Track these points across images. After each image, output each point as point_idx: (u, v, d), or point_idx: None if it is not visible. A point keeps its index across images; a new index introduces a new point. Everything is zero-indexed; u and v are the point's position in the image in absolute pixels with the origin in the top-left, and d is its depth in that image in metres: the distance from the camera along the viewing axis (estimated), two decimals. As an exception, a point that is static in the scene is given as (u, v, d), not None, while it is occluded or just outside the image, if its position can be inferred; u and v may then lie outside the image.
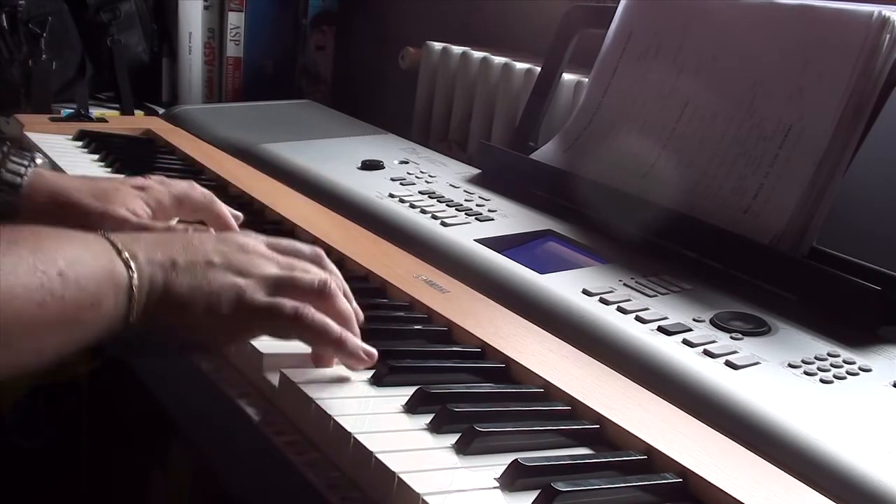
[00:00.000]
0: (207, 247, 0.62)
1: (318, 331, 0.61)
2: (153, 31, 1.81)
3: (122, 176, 1.06)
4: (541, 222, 0.97)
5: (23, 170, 0.82)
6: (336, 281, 0.65)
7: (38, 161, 0.86)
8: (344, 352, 0.62)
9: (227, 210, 0.87)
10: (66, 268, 0.54)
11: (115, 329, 0.58)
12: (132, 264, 0.58)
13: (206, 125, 1.33)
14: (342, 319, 0.63)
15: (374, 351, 0.63)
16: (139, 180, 0.87)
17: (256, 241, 0.65)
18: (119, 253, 0.58)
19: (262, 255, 0.64)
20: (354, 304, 0.67)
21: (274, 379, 0.62)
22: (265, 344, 0.64)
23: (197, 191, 0.86)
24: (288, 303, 0.61)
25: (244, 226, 0.88)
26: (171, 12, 1.80)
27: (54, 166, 1.07)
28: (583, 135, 1.07)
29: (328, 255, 0.88)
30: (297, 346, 0.64)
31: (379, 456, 0.53)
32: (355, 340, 0.63)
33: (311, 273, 0.64)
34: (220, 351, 0.66)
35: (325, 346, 0.62)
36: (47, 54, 1.59)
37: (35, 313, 0.52)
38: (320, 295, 0.63)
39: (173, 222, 0.84)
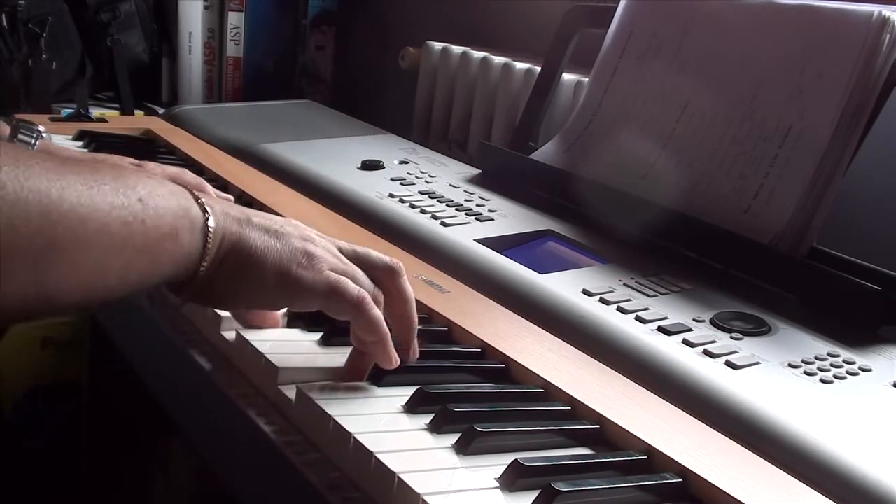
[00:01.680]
0: (279, 218, 0.64)
1: (374, 320, 0.61)
2: (153, 31, 1.81)
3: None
4: (541, 222, 0.97)
5: (32, 141, 0.86)
6: (399, 287, 0.66)
7: (44, 134, 0.92)
8: (385, 350, 0.63)
9: (214, 192, 0.89)
10: (146, 196, 0.55)
11: (190, 270, 0.58)
12: (208, 210, 0.59)
13: (206, 125, 1.33)
14: (408, 299, 0.65)
15: (398, 359, 0.64)
16: (134, 160, 0.90)
17: (327, 239, 0.67)
18: (196, 199, 0.59)
19: (329, 249, 0.65)
20: (414, 313, 0.67)
21: (275, 380, 0.62)
22: (278, 357, 0.64)
23: (189, 174, 0.90)
24: (353, 284, 0.62)
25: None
26: (171, 12, 1.80)
27: None
28: (583, 135, 1.07)
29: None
30: (301, 349, 0.64)
31: (379, 456, 0.53)
32: (392, 345, 0.63)
33: (368, 281, 0.65)
34: (273, 307, 0.67)
35: (369, 337, 0.62)
36: (47, 54, 1.59)
37: (120, 230, 0.53)
38: (391, 272, 0.65)
39: None
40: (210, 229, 0.58)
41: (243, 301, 0.64)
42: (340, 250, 0.66)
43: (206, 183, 0.89)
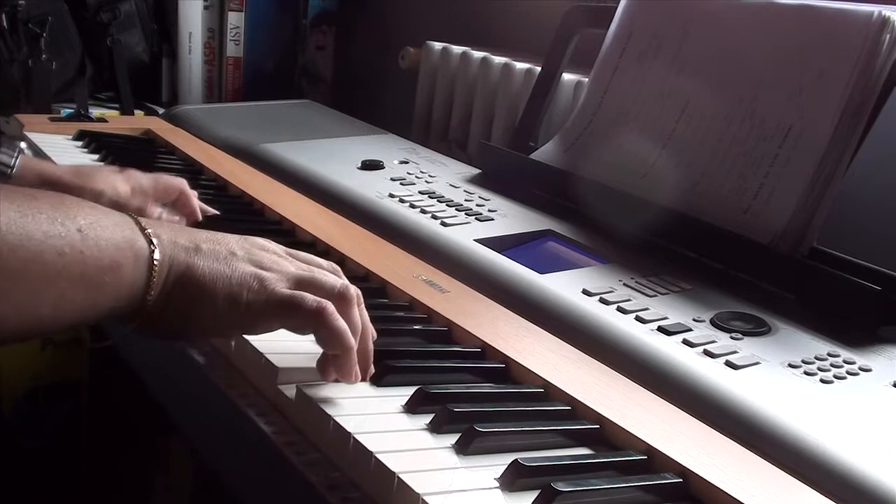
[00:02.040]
0: (230, 240, 0.63)
1: (336, 332, 0.60)
2: (153, 31, 1.80)
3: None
4: (541, 222, 0.97)
5: (12, 161, 0.85)
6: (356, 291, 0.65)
7: (26, 151, 0.90)
8: (345, 363, 0.61)
9: (195, 196, 0.92)
10: (86, 227, 0.54)
11: (135, 303, 0.57)
12: (154, 240, 0.58)
13: (206, 125, 1.33)
14: (355, 329, 0.62)
15: (363, 376, 0.62)
16: (117, 168, 0.92)
17: (276, 245, 0.65)
18: (142, 229, 0.58)
19: (282, 255, 0.64)
20: (367, 319, 0.66)
21: (275, 380, 0.62)
22: (278, 356, 0.64)
23: (165, 178, 0.91)
24: (310, 296, 0.60)
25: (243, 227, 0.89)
26: (171, 12, 1.79)
27: None
28: (583, 135, 1.07)
29: (327, 255, 0.88)
30: (301, 349, 0.64)
31: (379, 456, 0.53)
32: (356, 357, 0.61)
33: (332, 278, 0.63)
34: (232, 338, 0.66)
35: (335, 350, 0.61)
36: (47, 54, 1.59)
37: (54, 260, 0.52)
38: (341, 298, 0.62)
39: (155, 210, 0.87)
40: (156, 262, 0.57)
41: (197, 331, 0.62)
42: (292, 255, 0.65)
43: (186, 184, 0.90)
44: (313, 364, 0.63)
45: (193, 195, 0.92)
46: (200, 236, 0.61)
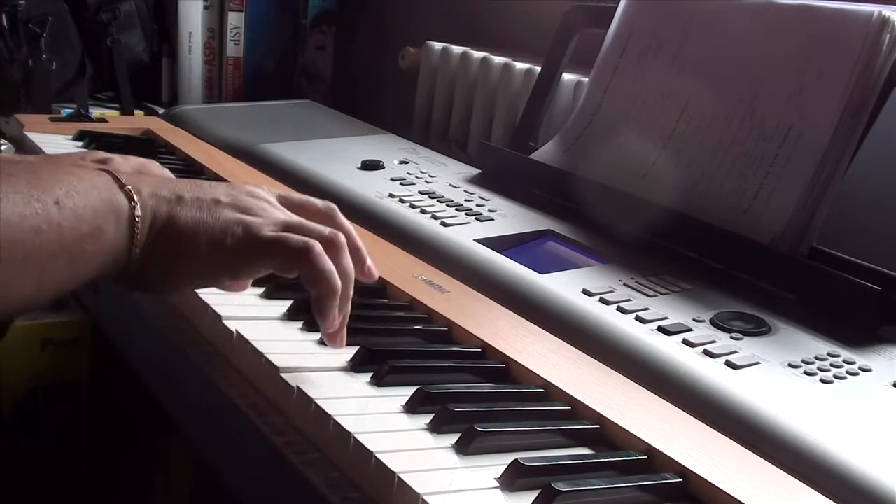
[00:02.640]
0: (216, 188, 0.62)
1: (322, 272, 0.59)
2: (153, 31, 1.81)
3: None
4: (541, 222, 0.97)
5: None
6: (348, 237, 0.64)
7: (3, 148, 0.87)
8: (325, 304, 0.60)
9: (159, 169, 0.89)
10: (64, 196, 0.54)
11: (120, 262, 0.57)
12: (134, 196, 0.57)
13: (206, 125, 1.33)
14: (343, 274, 0.61)
15: (344, 339, 0.62)
16: (101, 154, 0.88)
17: (267, 192, 0.65)
18: (121, 186, 0.57)
19: (270, 202, 0.64)
20: (369, 262, 0.66)
21: (273, 379, 0.62)
22: (278, 356, 0.64)
23: (156, 164, 0.88)
24: (295, 236, 0.59)
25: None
26: (171, 12, 1.80)
27: None
28: (583, 135, 1.07)
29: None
30: (302, 349, 0.64)
31: (379, 456, 0.53)
32: (337, 303, 0.61)
33: (320, 226, 0.63)
34: (219, 285, 0.65)
35: (319, 290, 0.60)
36: (47, 54, 1.59)
37: (32, 239, 0.51)
38: (329, 243, 0.61)
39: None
40: (137, 218, 0.57)
41: (185, 282, 0.62)
42: (285, 202, 0.64)
43: (170, 174, 0.89)
44: (314, 364, 0.64)
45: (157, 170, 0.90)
46: (184, 186, 0.61)
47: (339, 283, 0.60)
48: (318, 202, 0.67)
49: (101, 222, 0.55)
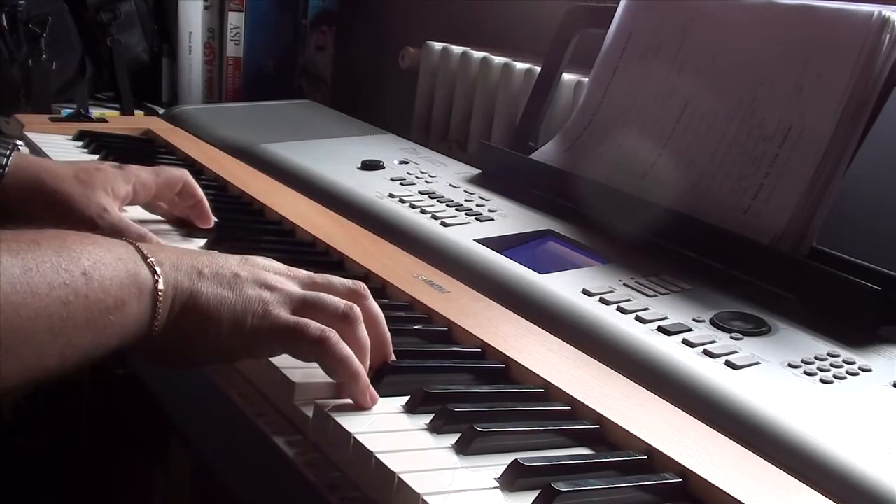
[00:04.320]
0: (232, 262, 0.62)
1: (339, 360, 0.59)
2: (153, 31, 1.81)
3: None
4: (541, 222, 0.97)
5: (4, 161, 0.83)
6: (367, 308, 0.64)
7: (21, 147, 0.87)
8: (356, 388, 0.60)
9: (199, 188, 0.90)
10: (90, 268, 0.53)
11: (141, 337, 0.57)
12: (157, 269, 0.57)
13: (206, 125, 1.33)
14: (361, 350, 0.61)
15: (377, 396, 0.61)
16: (116, 163, 0.89)
17: (277, 263, 0.64)
18: (144, 258, 0.57)
19: (285, 274, 0.63)
20: (386, 331, 0.65)
21: (275, 381, 0.62)
22: (278, 358, 0.64)
23: (170, 167, 0.90)
24: (313, 324, 0.59)
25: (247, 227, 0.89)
26: (171, 12, 1.80)
27: None
28: (583, 135, 1.07)
29: (327, 255, 0.88)
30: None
31: (379, 456, 0.53)
32: (366, 380, 0.60)
33: (335, 299, 0.62)
34: (233, 363, 0.65)
35: (339, 378, 0.60)
36: (47, 54, 1.59)
37: (59, 311, 0.51)
38: (344, 319, 0.61)
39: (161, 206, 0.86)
40: (160, 292, 0.57)
41: (203, 358, 0.61)
42: (301, 282, 0.63)
43: (189, 174, 0.89)
44: (314, 364, 0.63)
45: (195, 184, 0.90)
46: (202, 260, 0.61)
47: (358, 366, 0.60)
48: (344, 285, 0.65)
49: (125, 295, 0.55)
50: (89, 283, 0.53)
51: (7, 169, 0.82)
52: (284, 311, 0.60)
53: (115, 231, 0.79)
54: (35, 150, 1.15)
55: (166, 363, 0.61)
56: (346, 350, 0.59)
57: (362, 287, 0.65)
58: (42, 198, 0.82)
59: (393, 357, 0.65)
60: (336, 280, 0.65)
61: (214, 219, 0.92)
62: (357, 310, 0.62)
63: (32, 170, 0.84)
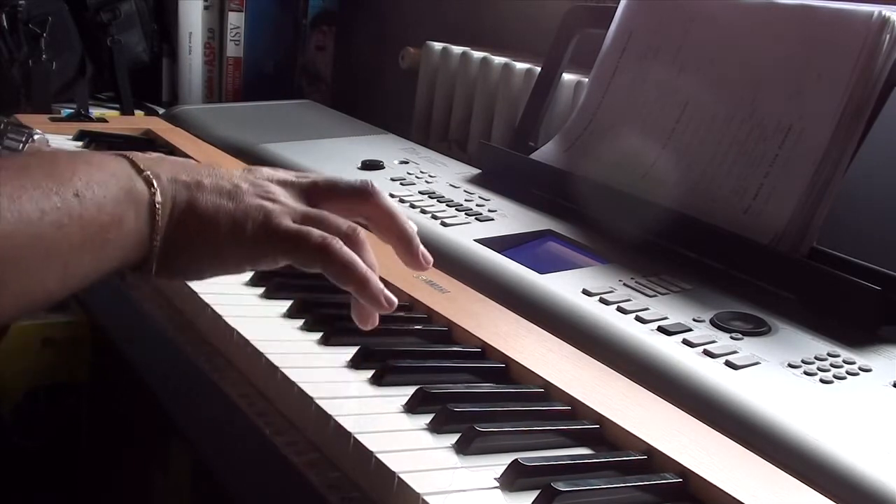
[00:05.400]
0: (234, 173, 0.61)
1: (344, 263, 0.57)
2: (153, 31, 1.80)
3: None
4: (541, 222, 0.97)
5: (20, 146, 0.82)
6: (392, 220, 0.63)
7: (37, 137, 0.86)
8: (366, 292, 0.58)
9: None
10: (83, 188, 0.52)
11: (141, 251, 0.56)
12: (154, 182, 0.56)
13: (206, 125, 1.33)
14: (369, 266, 0.60)
15: (394, 299, 0.59)
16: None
17: (284, 172, 0.63)
18: (140, 172, 0.56)
19: (292, 185, 0.62)
20: (407, 224, 0.63)
21: (273, 378, 0.62)
22: (279, 357, 0.64)
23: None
24: (315, 231, 0.58)
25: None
26: (171, 12, 1.79)
27: None
28: (583, 135, 1.07)
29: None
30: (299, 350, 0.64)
31: (379, 456, 0.53)
32: (378, 283, 0.59)
33: (341, 219, 0.61)
34: (238, 271, 0.62)
35: (347, 283, 0.58)
36: (47, 54, 1.59)
37: (54, 234, 0.51)
38: (349, 238, 0.59)
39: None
40: (157, 205, 0.56)
41: (205, 269, 0.60)
42: (305, 189, 0.62)
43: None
44: (314, 363, 0.64)
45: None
46: (203, 171, 0.60)
47: (366, 270, 0.58)
48: (349, 186, 0.63)
49: (121, 211, 0.54)
50: (82, 203, 0.52)
51: (23, 150, 0.81)
52: (287, 220, 0.59)
53: None
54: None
55: (170, 276, 0.59)
56: (352, 254, 0.58)
57: (370, 185, 0.63)
58: None
59: (420, 247, 0.63)
60: (343, 182, 0.63)
61: None
62: (362, 233, 0.61)
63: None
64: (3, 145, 0.82)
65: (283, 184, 0.62)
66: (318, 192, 0.63)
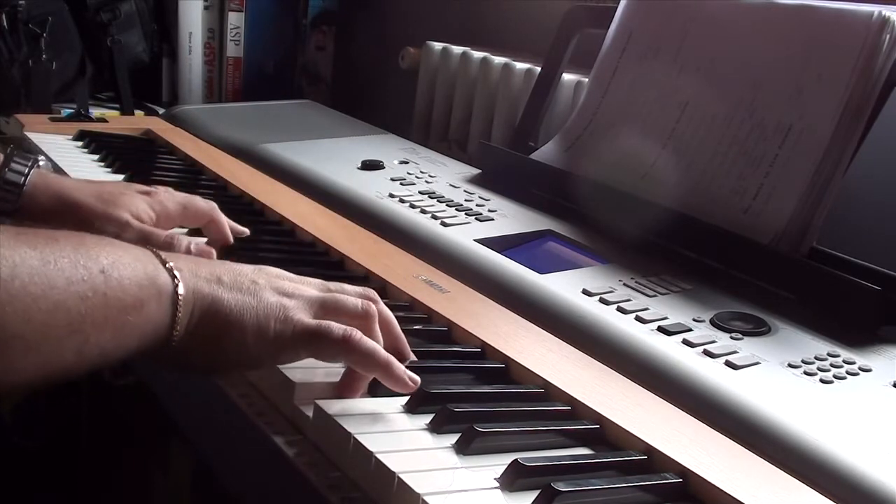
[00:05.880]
0: (248, 270, 0.62)
1: (366, 354, 0.59)
2: (153, 31, 1.80)
3: (124, 179, 1.07)
4: (541, 222, 0.97)
5: (25, 170, 0.82)
6: (379, 313, 0.64)
7: (41, 163, 0.86)
8: (391, 378, 0.60)
9: (226, 221, 0.87)
10: (109, 266, 0.53)
11: (160, 341, 0.56)
12: (177, 274, 0.56)
13: (206, 125, 1.33)
14: (379, 344, 0.62)
15: (417, 378, 0.61)
16: (144, 186, 0.87)
17: (288, 274, 0.64)
18: (163, 263, 0.57)
19: (299, 281, 0.63)
20: (401, 333, 0.66)
21: (273, 379, 0.62)
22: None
23: (200, 199, 0.87)
24: (335, 325, 0.59)
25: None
26: (171, 12, 1.79)
27: (55, 168, 1.07)
28: (583, 135, 1.07)
29: (327, 255, 0.88)
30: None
31: (379, 456, 0.53)
32: (399, 365, 0.61)
33: (352, 299, 0.63)
34: (254, 370, 0.64)
35: (371, 371, 0.60)
36: (47, 54, 1.59)
37: (78, 306, 0.51)
38: (364, 317, 0.62)
39: (183, 242, 0.81)
40: (180, 297, 0.56)
41: (226, 365, 0.60)
42: (316, 288, 0.64)
43: (217, 208, 0.86)
44: (313, 364, 0.63)
45: (224, 220, 0.87)
46: (220, 268, 0.60)
47: (386, 355, 0.60)
48: (355, 291, 0.65)
49: (144, 296, 0.54)
50: (108, 280, 0.52)
51: (27, 180, 0.81)
52: (306, 316, 0.60)
53: (142, 237, 0.78)
54: (35, 150, 1.15)
55: (186, 370, 0.60)
56: (372, 343, 0.60)
57: (372, 293, 0.66)
58: (62, 214, 0.80)
59: (412, 357, 0.66)
60: (348, 287, 0.66)
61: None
62: (373, 306, 0.63)
63: (53, 188, 0.82)
64: (10, 170, 0.81)
65: (294, 280, 0.63)
66: (328, 291, 0.64)
